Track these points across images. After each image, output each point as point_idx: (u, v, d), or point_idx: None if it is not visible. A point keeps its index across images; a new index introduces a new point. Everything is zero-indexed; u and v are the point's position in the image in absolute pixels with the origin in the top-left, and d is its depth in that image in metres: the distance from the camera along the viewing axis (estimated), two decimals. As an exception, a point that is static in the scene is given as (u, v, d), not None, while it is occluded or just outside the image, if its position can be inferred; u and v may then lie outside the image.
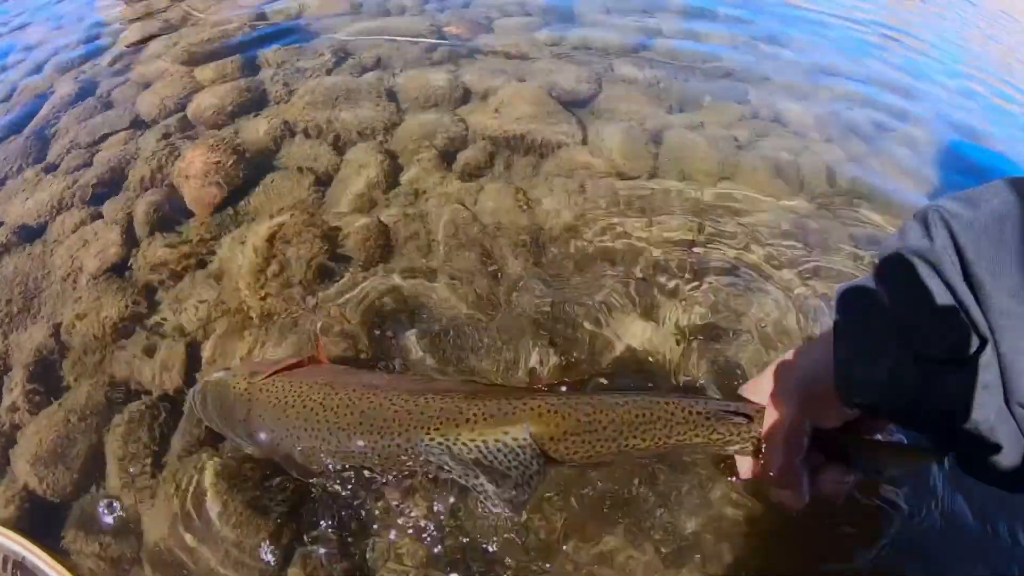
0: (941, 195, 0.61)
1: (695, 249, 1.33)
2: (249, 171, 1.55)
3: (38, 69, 2.33)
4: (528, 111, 1.84)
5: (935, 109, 2.36)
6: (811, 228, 1.47)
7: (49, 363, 1.18)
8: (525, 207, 1.46)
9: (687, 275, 1.26)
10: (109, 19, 2.66)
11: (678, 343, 1.13)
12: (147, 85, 2.03)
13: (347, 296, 1.21)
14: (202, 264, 1.32)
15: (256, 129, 1.72)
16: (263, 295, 1.22)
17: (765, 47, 2.64)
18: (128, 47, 2.35)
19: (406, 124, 1.77)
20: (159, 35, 2.41)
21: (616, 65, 2.22)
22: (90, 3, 2.91)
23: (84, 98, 2.03)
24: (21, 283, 1.35)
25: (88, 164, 1.68)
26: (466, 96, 1.95)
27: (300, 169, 1.56)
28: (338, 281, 1.25)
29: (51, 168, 1.72)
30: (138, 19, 2.61)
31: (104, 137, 1.80)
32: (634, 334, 1.14)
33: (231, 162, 1.51)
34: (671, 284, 1.25)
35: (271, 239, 1.32)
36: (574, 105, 1.93)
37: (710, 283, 1.25)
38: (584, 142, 1.75)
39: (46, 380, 1.15)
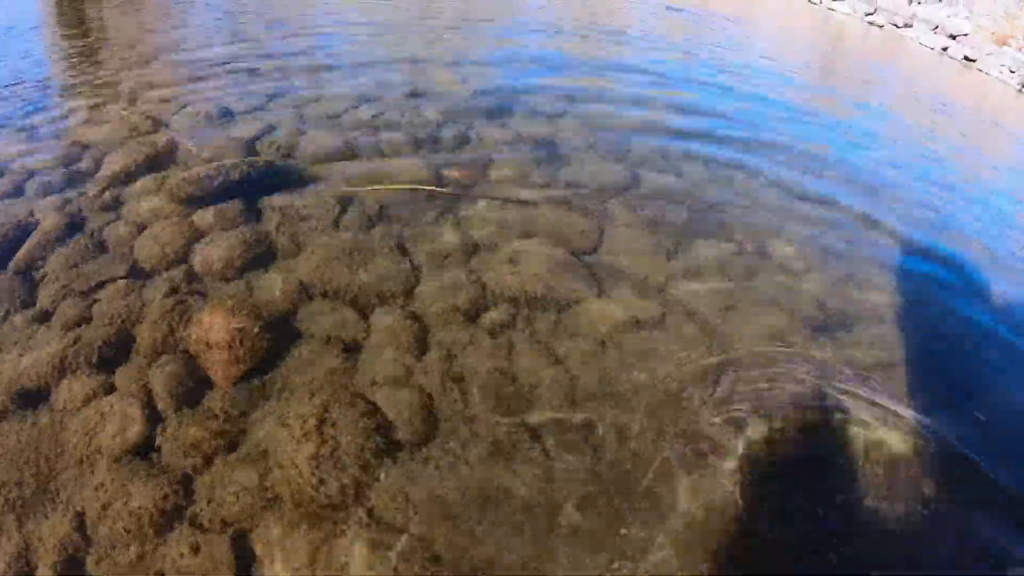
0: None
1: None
2: (273, 338, 1.69)
3: (17, 191, 2.43)
4: (541, 268, 2.11)
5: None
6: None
7: (77, 562, 1.24)
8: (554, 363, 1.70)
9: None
10: (87, 140, 2.81)
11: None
12: (142, 226, 2.19)
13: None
14: (233, 446, 1.44)
15: (271, 289, 1.90)
16: (318, 481, 1.34)
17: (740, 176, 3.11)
18: (113, 175, 2.50)
19: (425, 285, 1.98)
20: (144, 163, 2.59)
21: (611, 208, 2.57)
22: (63, 118, 3.06)
23: (72, 234, 2.15)
24: (32, 461, 1.41)
25: (87, 318, 1.79)
26: (476, 250, 2.21)
27: (328, 339, 1.72)
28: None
29: (44, 316, 1.81)
30: (120, 143, 2.78)
31: (101, 284, 1.92)
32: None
33: (256, 329, 1.66)
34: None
35: (320, 421, 1.45)
36: (583, 254, 2.23)
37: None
38: (599, 295, 2.04)
39: (76, 583, 1.21)
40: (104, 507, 1.31)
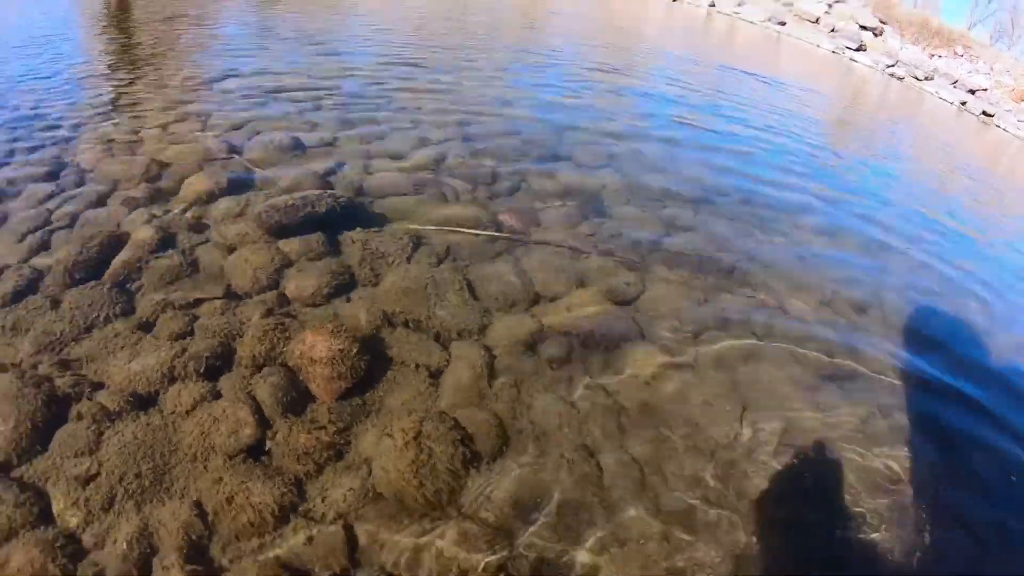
0: None
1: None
2: (369, 360, 1.93)
3: (101, 202, 2.69)
4: (593, 311, 2.39)
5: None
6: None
7: (200, 546, 1.44)
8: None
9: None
10: (165, 158, 3.09)
11: None
12: (231, 249, 2.43)
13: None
14: (340, 453, 1.66)
15: (357, 316, 2.13)
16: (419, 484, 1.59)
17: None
18: (197, 196, 2.77)
19: (496, 325, 2.23)
20: (226, 187, 2.85)
21: (650, 262, 2.84)
22: (137, 133, 3.34)
23: (165, 250, 2.40)
24: (148, 456, 1.62)
25: (190, 332, 2.02)
26: (537, 298, 2.46)
27: (416, 365, 1.96)
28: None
29: (146, 326, 2.04)
30: (198, 165, 3.05)
31: (199, 302, 2.16)
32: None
33: (355, 351, 1.89)
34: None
35: (417, 434, 1.69)
36: (625, 304, 2.55)
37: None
38: (642, 337, 2.33)
39: (200, 561, 1.42)
40: (228, 500, 1.51)
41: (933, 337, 2.95)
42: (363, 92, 4.45)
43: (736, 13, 26.02)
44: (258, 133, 3.47)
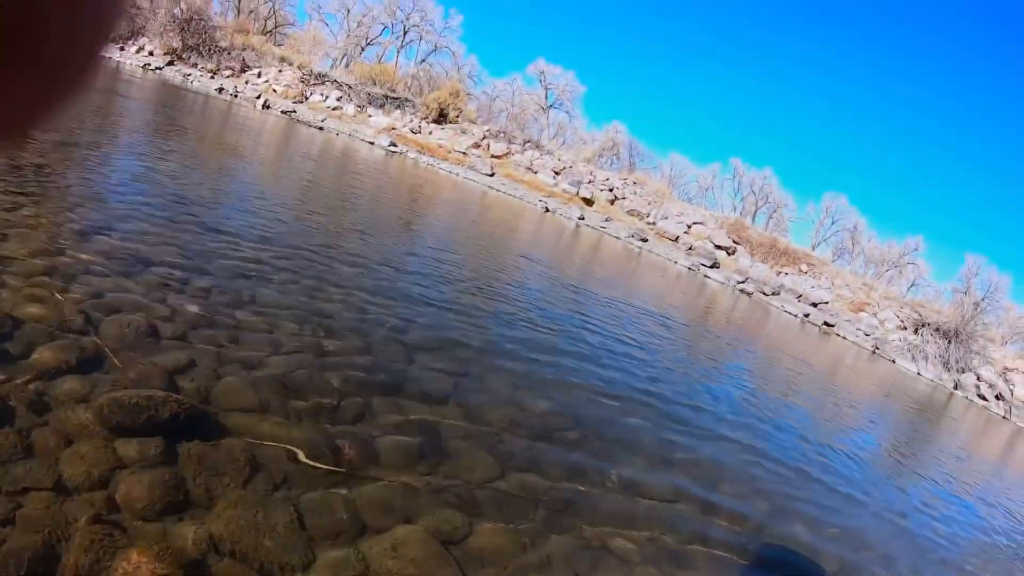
0: None
1: None
2: (186, 591, 2.15)
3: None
4: (418, 553, 2.71)
5: None
6: None
7: None
8: None
9: None
10: (19, 315, 3.23)
11: None
12: (69, 440, 2.60)
13: None
14: None
15: (185, 538, 2.36)
16: None
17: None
18: (43, 370, 2.92)
19: (320, 559, 2.52)
20: (74, 366, 3.04)
21: (480, 501, 3.25)
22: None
23: (2, 425, 2.53)
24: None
25: (11, 521, 2.16)
26: (364, 531, 2.79)
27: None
28: None
29: (-35, 509, 2.15)
30: (50, 332, 3.22)
31: (25, 490, 2.30)
32: None
33: (177, 579, 2.12)
34: None
35: None
36: (451, 543, 2.88)
37: None
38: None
39: None
40: None
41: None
42: (227, 283, 4.80)
43: (602, 227, 29.49)
44: (117, 311, 3.69)
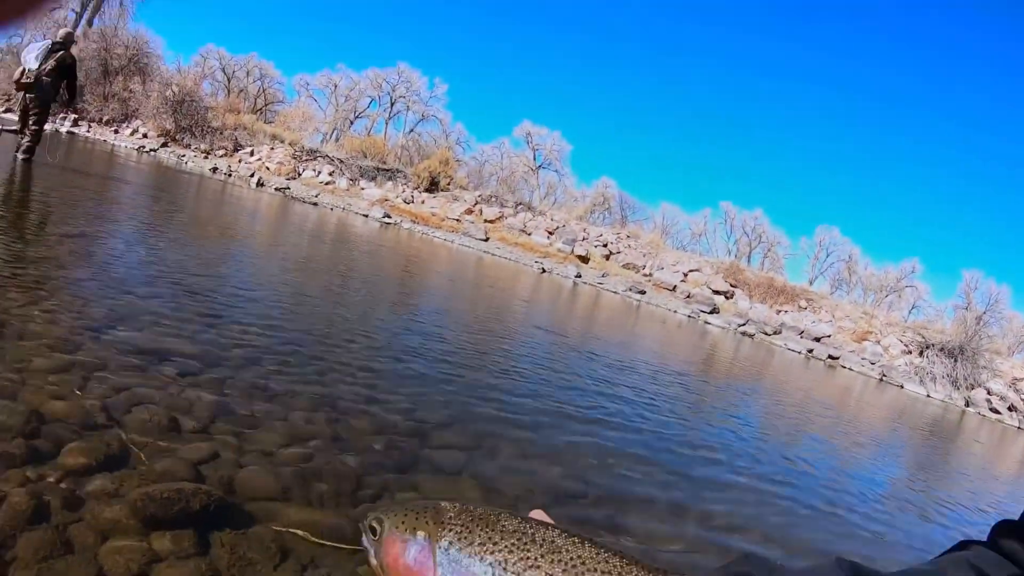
0: None
1: None
2: None
3: (-26, 456, 2.94)
4: None
5: None
6: None
7: None
8: None
9: None
10: (45, 411, 3.39)
11: None
12: (105, 535, 2.74)
13: None
14: None
15: (222, 631, 2.48)
16: None
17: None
18: (73, 467, 3.07)
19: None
20: (103, 463, 3.18)
21: None
22: (19, 373, 3.64)
23: (39, 522, 2.66)
24: None
25: (59, 621, 2.28)
26: None
27: None
28: None
29: (14, 609, 2.28)
30: (76, 430, 3.38)
31: (69, 588, 2.43)
32: None
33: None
34: None
35: None
36: None
37: None
38: None
39: None
40: None
41: None
42: (238, 372, 4.97)
43: (600, 283, 29.80)
44: (137, 404, 3.86)
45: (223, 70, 59.07)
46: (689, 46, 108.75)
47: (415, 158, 48.44)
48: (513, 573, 0.69)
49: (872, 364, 27.12)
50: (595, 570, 0.69)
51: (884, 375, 26.31)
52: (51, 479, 2.96)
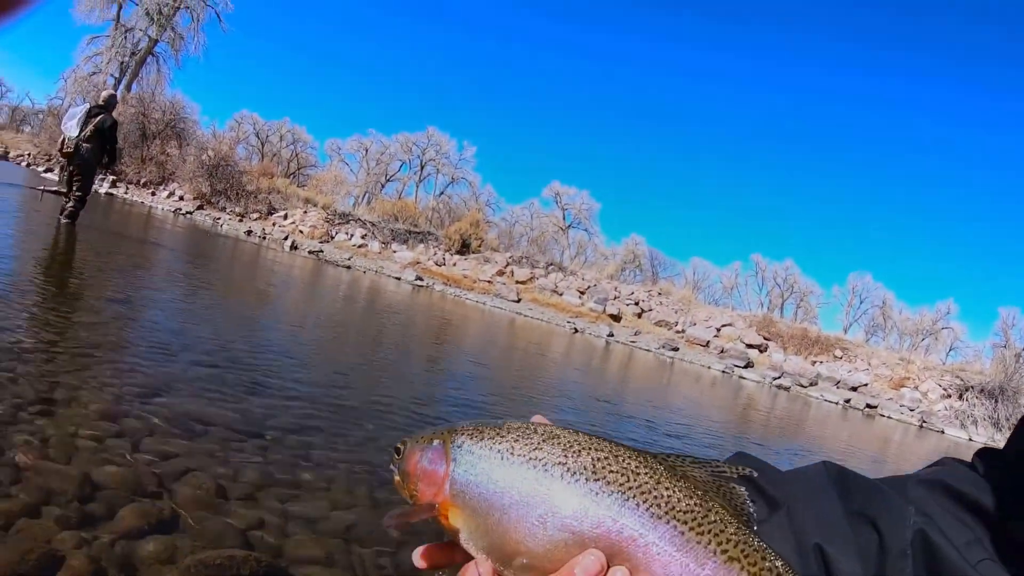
0: None
1: None
2: None
3: (34, 511, 3.08)
4: None
5: None
6: None
7: None
8: None
9: None
10: (97, 478, 3.56)
11: None
12: (160, 600, 2.85)
13: None
14: None
15: None
16: None
17: None
18: (126, 530, 3.21)
19: None
20: (154, 526, 3.32)
21: None
22: (72, 438, 3.82)
23: (96, 591, 2.79)
24: None
25: None
26: None
27: None
28: None
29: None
30: (128, 495, 3.53)
31: (126, 654, 2.54)
32: None
33: None
34: None
35: None
36: None
37: None
38: None
39: None
40: None
41: None
42: (280, 440, 5.12)
43: (632, 342, 29.64)
44: (186, 472, 4.00)
45: (257, 135, 61.63)
46: (713, 105, 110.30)
47: (446, 220, 49.48)
48: (520, 455, 0.79)
49: (911, 411, 26.57)
50: (589, 448, 0.81)
51: (924, 421, 25.77)
52: (105, 540, 3.10)
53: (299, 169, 60.68)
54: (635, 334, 32.14)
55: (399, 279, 32.33)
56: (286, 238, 34.14)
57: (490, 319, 25.59)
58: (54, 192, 17.44)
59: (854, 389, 28.87)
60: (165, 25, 51.97)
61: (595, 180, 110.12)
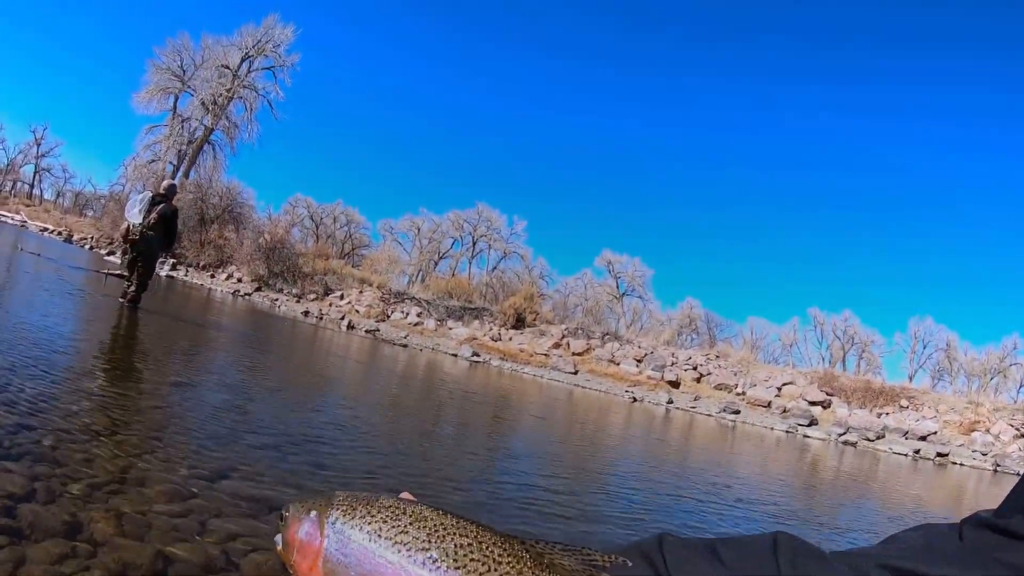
0: None
1: None
2: None
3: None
4: None
5: None
6: None
7: None
8: None
9: None
10: (170, 553, 3.71)
11: None
12: None
13: None
14: None
15: None
16: None
17: None
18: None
19: None
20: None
21: None
22: (147, 522, 4.00)
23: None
24: None
25: None
26: None
27: None
28: None
29: None
30: (200, 574, 3.66)
31: None
32: None
33: None
34: None
35: None
36: None
37: None
38: None
39: None
40: None
41: None
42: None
43: (692, 407, 29.00)
44: (252, 551, 4.13)
45: (311, 217, 63.84)
46: (755, 164, 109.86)
47: (500, 295, 49.89)
48: (387, 538, 0.83)
49: (984, 455, 25.40)
50: (454, 534, 0.84)
51: (998, 465, 24.83)
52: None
53: (353, 250, 62.38)
54: (695, 399, 31.55)
55: (456, 356, 32.60)
56: (343, 318, 34.96)
57: (548, 392, 25.49)
58: (117, 275, 18.39)
59: (923, 439, 27.80)
60: (219, 115, 54.91)
61: (646, 246, 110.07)
